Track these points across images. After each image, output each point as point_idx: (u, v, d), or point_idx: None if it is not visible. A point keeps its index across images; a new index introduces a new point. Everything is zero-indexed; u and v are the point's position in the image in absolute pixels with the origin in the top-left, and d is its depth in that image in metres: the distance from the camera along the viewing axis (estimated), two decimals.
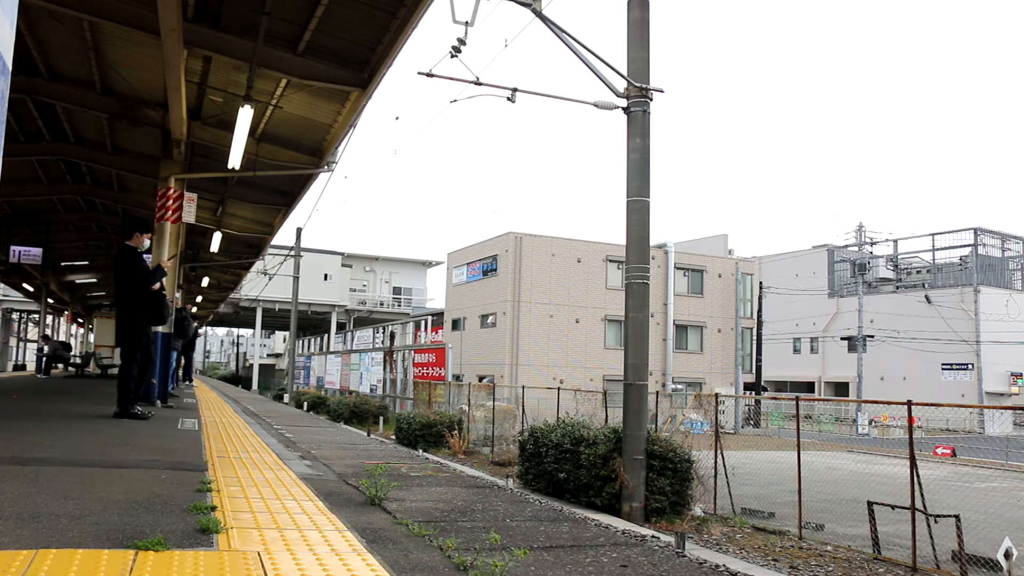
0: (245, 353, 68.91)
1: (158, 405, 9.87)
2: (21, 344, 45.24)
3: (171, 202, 10.80)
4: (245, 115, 8.98)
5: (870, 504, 8.32)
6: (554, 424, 10.10)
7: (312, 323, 55.44)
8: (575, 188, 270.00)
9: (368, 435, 12.49)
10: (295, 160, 11.84)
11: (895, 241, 51.89)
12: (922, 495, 7.63)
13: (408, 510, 4.16)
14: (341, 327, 52.00)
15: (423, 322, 44.00)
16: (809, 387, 51.59)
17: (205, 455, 5.56)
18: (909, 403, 8.12)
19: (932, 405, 9.36)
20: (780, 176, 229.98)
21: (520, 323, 33.28)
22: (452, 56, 9.03)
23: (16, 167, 13.63)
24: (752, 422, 35.15)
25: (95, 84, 10.07)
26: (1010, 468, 19.15)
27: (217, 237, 16.91)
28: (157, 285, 7.99)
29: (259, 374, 48.19)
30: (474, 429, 17.01)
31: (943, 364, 42.76)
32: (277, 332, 68.24)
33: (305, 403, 25.64)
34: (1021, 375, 42.58)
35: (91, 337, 27.23)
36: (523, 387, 18.22)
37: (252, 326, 50.62)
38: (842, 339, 45.89)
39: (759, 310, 38.64)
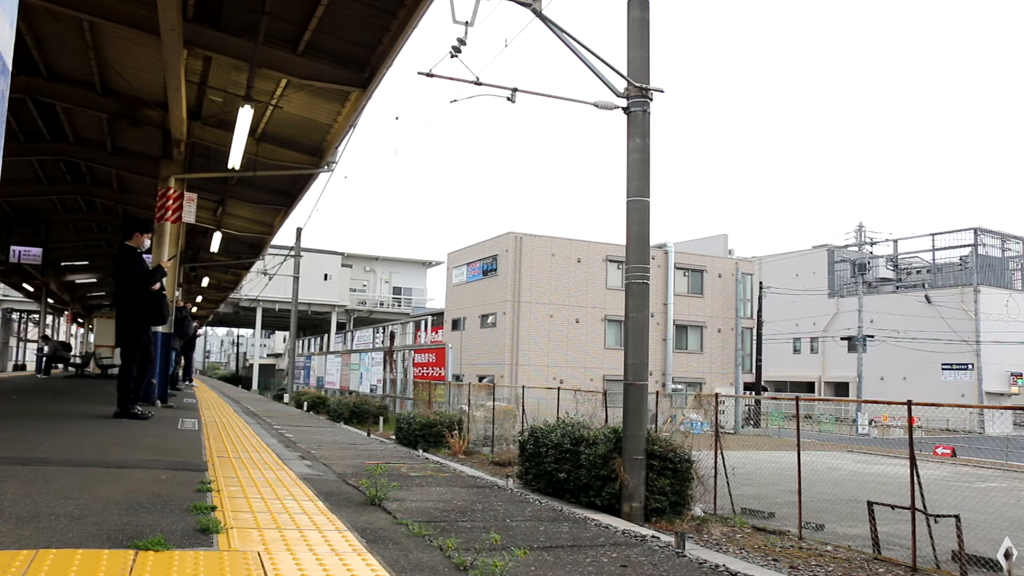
0: (245, 353, 68.91)
1: (158, 405, 9.87)
2: (21, 344, 45.20)
3: (171, 202, 10.80)
4: (245, 115, 8.97)
5: (870, 504, 8.31)
6: (554, 424, 10.09)
7: (312, 323, 55.44)
8: (575, 188, 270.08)
9: (368, 435, 12.49)
10: (295, 160, 11.84)
11: (895, 241, 51.93)
12: (922, 495, 7.62)
13: (408, 510, 4.16)
14: (341, 327, 51.99)
15: (423, 322, 43.99)
16: (809, 387, 51.58)
17: (205, 455, 5.56)
18: (909, 403, 8.12)
19: (932, 405, 9.35)
20: (780, 176, 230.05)
21: (520, 323, 33.27)
22: (452, 56, 9.02)
23: (16, 167, 13.62)
24: (752, 422, 35.13)
25: (95, 84, 10.06)
26: (1010, 468, 19.14)
27: (217, 237, 16.90)
28: (157, 285, 8.00)
29: (259, 374, 48.19)
30: (474, 429, 17.01)
31: (943, 364, 42.75)
32: (277, 332, 68.24)
33: (305, 403, 25.64)
34: (1021, 375, 42.57)
35: (91, 337, 27.23)
36: (523, 387, 18.21)
37: (252, 326, 50.63)
38: (842, 339, 45.87)
39: (759, 310, 38.63)
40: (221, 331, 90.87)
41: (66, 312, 32.57)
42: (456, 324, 38.44)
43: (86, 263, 24.38)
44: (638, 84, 8.80)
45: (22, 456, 4.82)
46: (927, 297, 44.60)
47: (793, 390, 49.22)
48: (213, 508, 3.55)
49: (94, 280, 27.62)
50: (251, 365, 51.88)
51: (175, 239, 11.06)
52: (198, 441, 6.45)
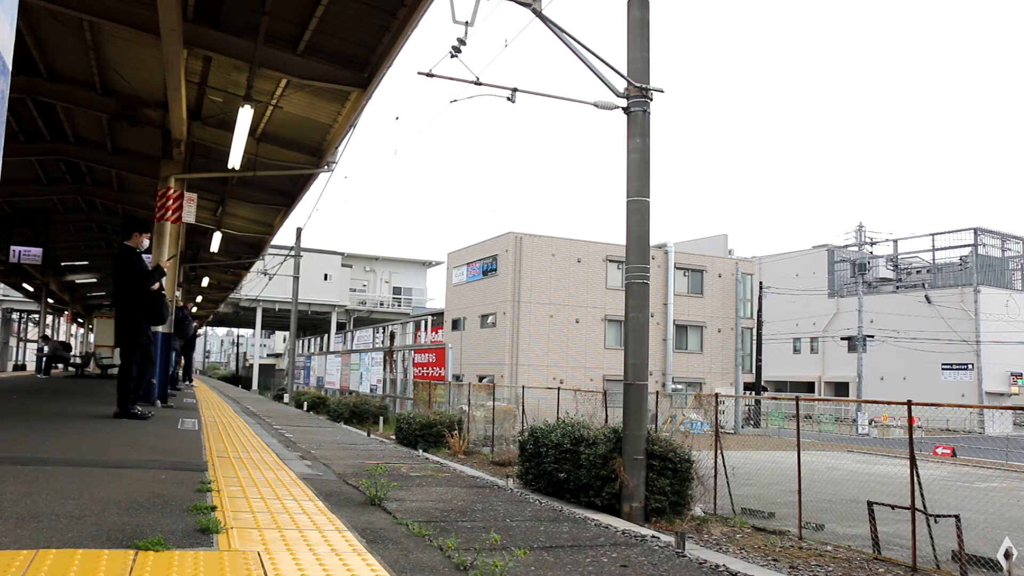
0: (245, 353, 68.90)
1: (158, 405, 9.87)
2: (21, 344, 45.19)
3: (171, 202, 10.80)
4: (245, 115, 8.98)
5: (870, 504, 8.32)
6: (554, 424, 10.09)
7: (312, 323, 55.43)
8: (575, 188, 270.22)
9: (368, 435, 12.49)
10: (295, 160, 11.84)
11: (895, 241, 51.93)
12: (922, 495, 7.63)
13: (408, 510, 4.16)
14: (341, 327, 51.99)
15: (423, 322, 43.99)
16: (809, 387, 51.57)
17: (205, 455, 5.56)
18: (909, 403, 8.12)
19: (932, 405, 9.35)
20: (780, 176, 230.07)
21: (520, 323, 33.27)
22: (452, 56, 9.02)
23: (16, 167, 13.62)
24: (752, 422, 35.14)
25: (95, 84, 10.06)
26: (1010, 468, 19.13)
27: (217, 237, 16.90)
28: (156, 285, 8.00)
29: (259, 374, 48.17)
30: (474, 429, 17.01)
31: (943, 364, 42.74)
32: (277, 332, 68.24)
33: (305, 403, 25.64)
34: (1021, 375, 42.56)
35: (91, 337, 27.23)
36: (523, 387, 18.21)
37: (252, 326, 50.62)
38: (842, 339, 45.87)
39: (759, 310, 38.62)
40: (221, 331, 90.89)
41: (66, 312, 32.57)
42: (456, 324, 38.44)
43: (86, 263, 24.38)
44: (638, 84, 8.80)
45: (22, 456, 4.82)
46: (927, 297, 44.59)
47: (793, 390, 49.22)
48: (213, 508, 3.54)
49: (94, 280, 27.62)
50: (251, 365, 51.87)
51: (175, 239, 11.06)
52: (198, 441, 6.45)
